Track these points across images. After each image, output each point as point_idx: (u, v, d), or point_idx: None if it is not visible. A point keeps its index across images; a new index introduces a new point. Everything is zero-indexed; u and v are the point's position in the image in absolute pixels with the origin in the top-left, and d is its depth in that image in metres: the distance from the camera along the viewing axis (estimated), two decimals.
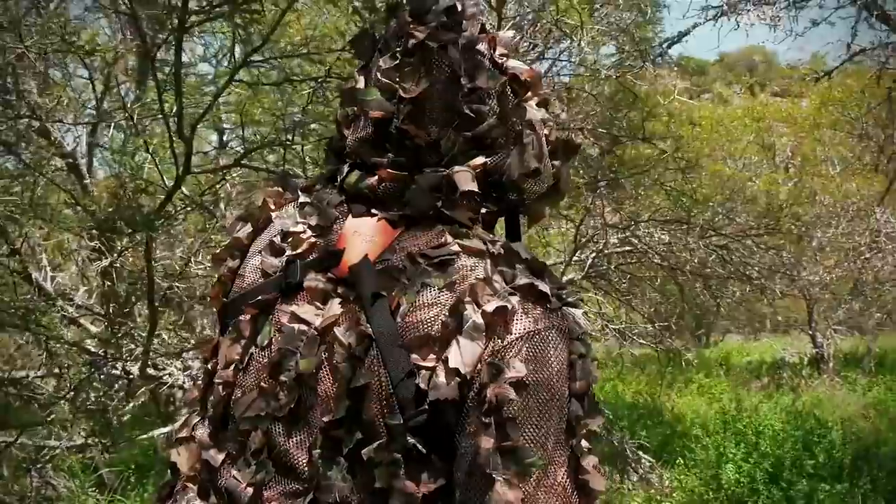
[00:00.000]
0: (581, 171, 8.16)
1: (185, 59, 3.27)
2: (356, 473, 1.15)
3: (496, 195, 1.29)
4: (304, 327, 1.20)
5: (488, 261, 1.19)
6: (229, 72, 2.87)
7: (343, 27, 2.56)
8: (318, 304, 1.22)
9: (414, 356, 1.14)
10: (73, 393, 3.42)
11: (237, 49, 3.11)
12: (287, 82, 2.88)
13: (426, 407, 1.12)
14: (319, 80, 2.85)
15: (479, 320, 1.13)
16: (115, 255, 3.58)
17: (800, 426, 6.93)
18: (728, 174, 12.13)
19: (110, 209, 2.93)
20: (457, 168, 1.24)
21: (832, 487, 5.22)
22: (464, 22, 1.28)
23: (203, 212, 3.46)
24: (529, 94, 1.32)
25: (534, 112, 1.31)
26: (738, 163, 12.95)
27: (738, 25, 5.79)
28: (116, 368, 3.79)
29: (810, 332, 12.74)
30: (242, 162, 3.09)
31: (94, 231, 3.05)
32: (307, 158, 3.13)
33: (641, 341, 9.71)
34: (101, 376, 3.64)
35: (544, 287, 1.18)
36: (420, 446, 1.13)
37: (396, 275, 1.18)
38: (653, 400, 10.63)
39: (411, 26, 1.27)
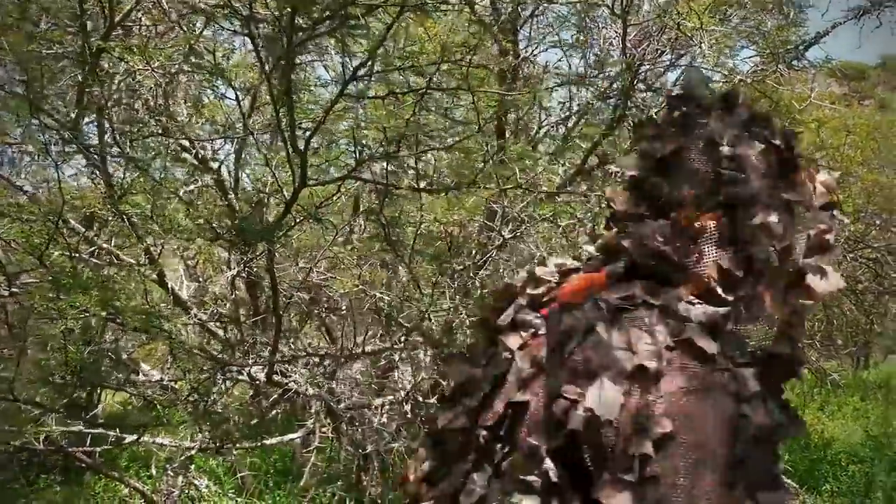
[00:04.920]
0: None
1: (301, 75, 3.42)
2: (494, 483, 1.25)
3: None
4: (507, 353, 1.36)
5: (657, 311, 1.24)
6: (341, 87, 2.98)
7: (447, 38, 2.63)
8: (523, 334, 1.37)
9: (564, 387, 1.21)
10: (195, 395, 3.61)
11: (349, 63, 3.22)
12: (391, 95, 2.98)
13: (563, 435, 1.18)
14: (421, 91, 2.93)
15: (627, 366, 1.17)
16: (242, 265, 3.78)
17: None
18: (884, 183, 11.39)
19: (229, 221, 3.10)
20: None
21: None
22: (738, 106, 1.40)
23: (319, 223, 3.60)
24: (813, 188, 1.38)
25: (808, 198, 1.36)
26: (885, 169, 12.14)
27: (881, 23, 5.43)
28: (242, 374, 3.97)
29: None
30: (353, 174, 3.19)
31: (214, 240, 3.23)
32: (410, 169, 3.21)
33: None
34: (224, 380, 3.84)
35: (708, 346, 1.18)
36: (553, 473, 1.19)
37: (576, 314, 1.27)
38: None
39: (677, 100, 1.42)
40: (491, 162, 3.33)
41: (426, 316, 3.84)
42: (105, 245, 3.93)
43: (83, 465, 4.58)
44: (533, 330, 1.37)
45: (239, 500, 5.77)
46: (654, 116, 1.54)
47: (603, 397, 1.18)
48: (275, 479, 6.11)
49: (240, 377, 4.05)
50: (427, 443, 1.48)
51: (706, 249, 1.32)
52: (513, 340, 1.37)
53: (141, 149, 3.71)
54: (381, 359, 4.60)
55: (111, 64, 3.35)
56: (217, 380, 3.87)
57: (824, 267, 1.35)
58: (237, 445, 4.18)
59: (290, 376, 4.38)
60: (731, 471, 1.13)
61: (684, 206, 1.36)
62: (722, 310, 1.25)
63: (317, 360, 4.65)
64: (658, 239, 1.32)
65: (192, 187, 4.19)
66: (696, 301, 1.27)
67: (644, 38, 5.96)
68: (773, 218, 1.32)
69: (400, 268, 4.29)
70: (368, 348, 4.49)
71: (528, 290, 1.44)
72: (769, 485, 1.16)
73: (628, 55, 5.63)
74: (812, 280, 1.32)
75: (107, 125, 3.45)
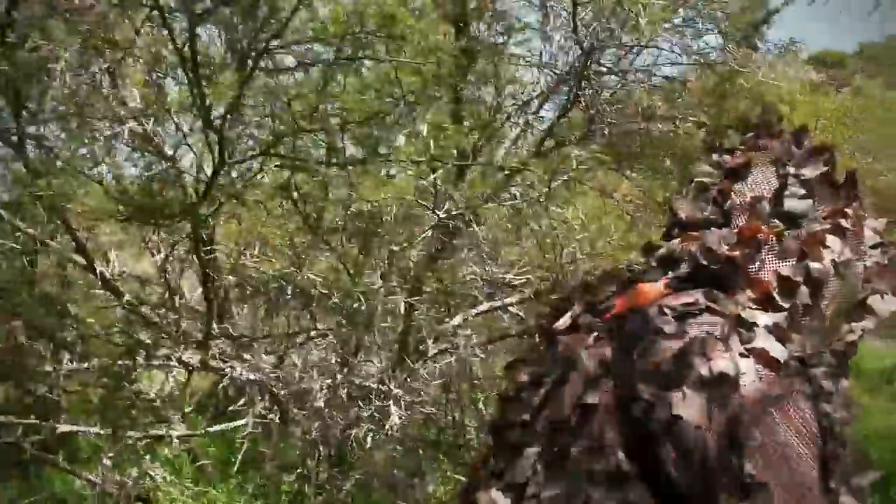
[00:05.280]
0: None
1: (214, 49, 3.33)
2: (559, 473, 1.32)
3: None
4: (569, 353, 1.43)
5: (727, 320, 1.27)
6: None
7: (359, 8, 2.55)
8: (586, 336, 1.47)
9: (640, 388, 1.27)
10: (109, 381, 3.53)
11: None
12: (301, 66, 2.92)
13: (640, 434, 1.24)
14: (333, 63, 2.85)
15: (705, 373, 1.22)
16: (170, 247, 3.70)
17: None
18: (855, 167, 11.36)
19: (145, 199, 3.02)
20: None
21: None
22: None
23: (243, 204, 3.52)
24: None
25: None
26: (869, 156, 12.12)
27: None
28: (171, 360, 3.88)
29: None
30: (266, 152, 3.11)
31: (131, 220, 3.15)
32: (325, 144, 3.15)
33: None
34: (150, 366, 3.77)
35: (778, 352, 1.24)
36: (625, 464, 1.24)
37: (643, 318, 1.33)
38: None
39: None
40: (416, 137, 3.26)
41: (357, 298, 3.76)
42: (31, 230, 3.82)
43: (36, 457, 4.52)
44: (596, 333, 1.44)
45: (196, 488, 5.69)
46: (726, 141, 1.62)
47: (688, 402, 1.22)
48: (233, 467, 6.04)
49: (170, 363, 3.97)
50: (491, 436, 1.58)
51: (767, 258, 1.40)
52: (575, 341, 1.44)
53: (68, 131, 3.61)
54: (322, 343, 4.51)
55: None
56: (140, 365, 3.78)
57: (885, 290, 1.45)
58: (172, 433, 4.10)
59: (228, 361, 4.29)
60: (824, 468, 1.20)
61: (748, 215, 1.43)
62: (784, 314, 1.32)
63: (260, 344, 4.56)
64: (724, 245, 1.40)
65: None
66: (758, 307, 1.33)
67: (596, 18, 5.87)
68: (831, 237, 1.41)
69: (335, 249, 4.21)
70: (312, 333, 4.42)
71: (587, 297, 1.52)
72: (858, 467, 1.25)
73: (580, 35, 5.54)
74: (873, 300, 1.44)
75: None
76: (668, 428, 1.25)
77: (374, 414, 3.88)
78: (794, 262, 1.41)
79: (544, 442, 1.40)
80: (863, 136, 12.13)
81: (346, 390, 4.06)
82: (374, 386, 3.99)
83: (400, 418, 3.88)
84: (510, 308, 6.93)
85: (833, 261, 1.43)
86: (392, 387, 3.97)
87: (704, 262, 1.44)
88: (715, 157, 1.60)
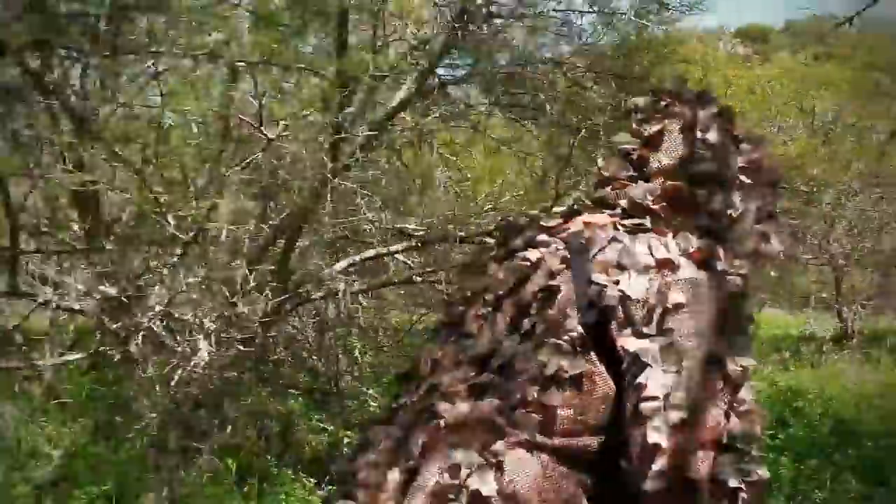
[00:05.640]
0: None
1: None
2: (521, 346, 1.57)
3: None
4: (526, 262, 1.75)
5: (670, 234, 1.63)
6: None
7: None
8: (543, 249, 1.76)
9: (594, 276, 1.57)
10: None
11: None
12: None
13: (594, 312, 1.54)
14: None
15: (651, 262, 1.56)
16: None
17: (782, 400, 6.45)
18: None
19: None
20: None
21: (802, 463, 4.78)
22: None
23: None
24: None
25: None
26: (773, 126, 12.27)
27: None
28: None
29: (836, 307, 12.10)
30: None
31: None
32: None
33: None
34: None
35: (712, 260, 1.61)
36: (579, 334, 1.55)
37: (598, 230, 1.68)
38: None
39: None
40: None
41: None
42: None
43: None
44: (554, 247, 1.67)
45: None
46: (642, 104, 1.87)
47: (632, 282, 1.53)
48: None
49: None
50: (441, 328, 1.80)
51: (681, 210, 1.68)
52: (532, 253, 1.68)
53: None
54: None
55: None
56: None
57: (769, 233, 1.74)
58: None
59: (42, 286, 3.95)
60: (717, 336, 1.51)
61: (665, 174, 1.71)
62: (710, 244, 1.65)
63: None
64: (648, 198, 1.68)
65: None
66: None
67: None
68: (734, 194, 1.70)
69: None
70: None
71: (541, 223, 1.76)
72: (744, 351, 1.59)
73: None
74: (760, 245, 1.72)
75: None
76: (620, 301, 1.54)
77: (187, 349, 3.64)
78: (703, 215, 1.69)
79: (509, 320, 1.63)
80: (773, 109, 12.28)
81: (164, 323, 3.79)
82: (190, 320, 3.72)
83: (209, 354, 3.63)
84: (398, 256, 6.78)
85: (731, 215, 1.70)
86: (206, 321, 3.72)
87: (631, 211, 1.70)
88: (634, 125, 1.83)
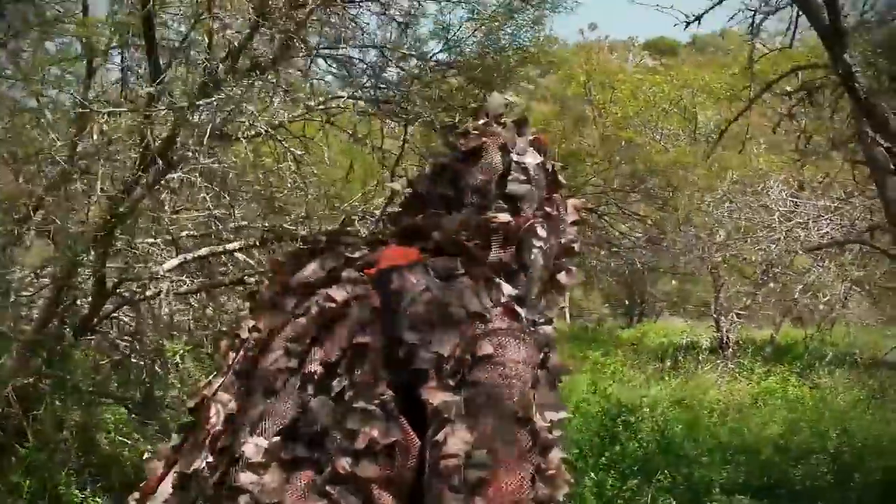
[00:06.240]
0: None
1: None
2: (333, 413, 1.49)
3: None
4: (331, 303, 1.64)
5: (482, 282, 1.60)
6: None
7: None
8: (350, 288, 1.68)
9: (405, 334, 1.51)
10: None
11: None
12: None
13: (405, 373, 1.48)
14: None
15: (462, 315, 1.53)
16: None
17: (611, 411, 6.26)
18: (636, 140, 11.46)
19: None
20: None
21: (622, 483, 4.54)
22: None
23: None
24: None
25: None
26: (655, 133, 12.27)
27: None
28: None
29: (714, 316, 12.15)
30: None
31: None
32: None
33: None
34: None
35: (521, 311, 1.58)
36: (390, 400, 1.47)
37: (409, 276, 1.60)
38: None
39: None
40: None
41: None
42: None
43: None
44: (363, 289, 1.58)
45: None
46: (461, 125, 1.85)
47: (444, 339, 1.48)
48: None
49: None
50: (233, 388, 1.59)
51: (494, 246, 1.63)
52: (339, 293, 1.57)
53: None
54: None
55: None
56: None
57: (570, 267, 1.76)
58: None
59: None
60: (528, 391, 1.46)
61: (479, 192, 1.70)
62: (520, 290, 1.61)
63: None
64: (463, 234, 1.62)
65: None
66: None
67: None
68: (539, 226, 1.67)
69: None
70: None
71: (345, 253, 1.67)
72: (555, 406, 1.56)
73: None
74: (561, 276, 1.73)
75: None
76: (431, 365, 1.46)
77: None
78: (512, 251, 1.66)
79: (314, 387, 1.51)
80: (654, 115, 12.29)
81: None
82: None
83: None
84: (236, 254, 6.36)
85: (540, 247, 1.69)
86: None
87: (443, 246, 1.64)
88: (451, 138, 1.80)
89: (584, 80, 12.10)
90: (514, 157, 1.73)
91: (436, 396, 1.44)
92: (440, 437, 1.41)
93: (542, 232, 1.68)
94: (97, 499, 4.46)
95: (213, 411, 1.55)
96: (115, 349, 5.57)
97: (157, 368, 5.39)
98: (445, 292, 1.54)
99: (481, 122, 1.78)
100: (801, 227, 8.48)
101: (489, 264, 1.63)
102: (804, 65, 4.78)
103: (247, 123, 6.02)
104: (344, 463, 1.43)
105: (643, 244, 8.79)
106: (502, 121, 1.79)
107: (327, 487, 1.43)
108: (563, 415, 1.58)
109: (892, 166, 4.29)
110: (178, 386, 5.57)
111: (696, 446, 5.37)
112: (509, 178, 1.71)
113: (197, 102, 4.88)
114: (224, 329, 6.51)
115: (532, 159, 1.74)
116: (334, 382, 1.48)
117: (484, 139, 1.75)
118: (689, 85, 12.50)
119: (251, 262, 6.44)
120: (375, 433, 1.43)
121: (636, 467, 4.73)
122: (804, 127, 6.01)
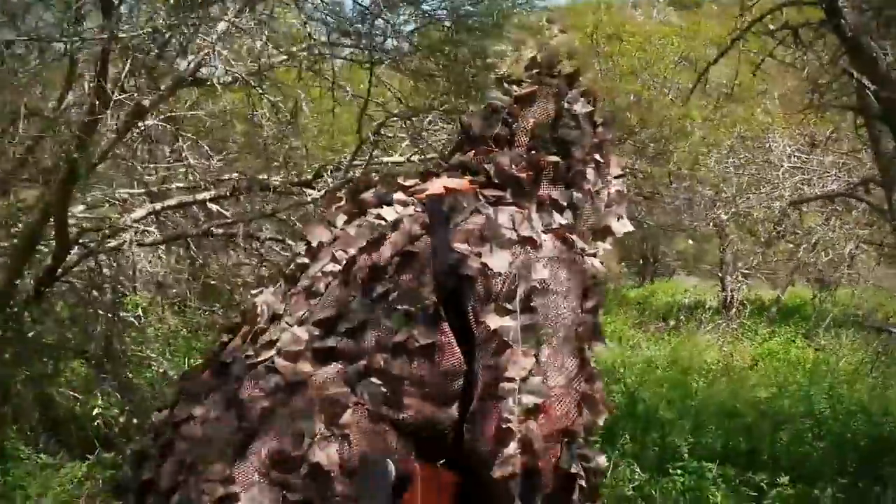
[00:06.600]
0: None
1: None
2: (372, 311, 1.54)
3: None
4: (381, 221, 1.72)
5: (534, 207, 1.66)
6: None
7: None
8: (399, 209, 1.74)
9: (456, 245, 1.54)
10: None
11: None
12: None
13: (454, 280, 1.51)
14: None
15: (514, 237, 1.56)
16: None
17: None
18: (643, 94, 11.05)
19: None
20: None
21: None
22: None
23: None
24: None
25: None
26: (662, 85, 11.83)
27: None
28: None
29: (720, 275, 11.84)
30: None
31: None
32: None
33: None
34: None
35: (573, 236, 1.63)
36: (433, 305, 1.50)
37: (460, 198, 1.67)
38: None
39: None
40: None
41: None
42: None
43: None
44: (413, 209, 1.64)
45: None
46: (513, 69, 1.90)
47: (494, 255, 1.52)
48: None
49: None
50: (280, 291, 1.66)
51: (544, 182, 1.71)
52: (389, 213, 1.64)
53: None
54: None
55: None
56: None
57: (621, 214, 1.82)
58: None
59: None
60: (577, 318, 1.51)
61: (530, 135, 1.76)
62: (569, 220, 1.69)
63: None
64: (514, 168, 1.69)
65: None
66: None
67: None
68: (590, 170, 1.77)
69: None
70: None
71: (397, 181, 1.78)
72: (598, 337, 1.58)
73: None
74: (612, 223, 1.78)
75: None
76: (477, 274, 1.49)
77: None
78: (563, 188, 1.70)
79: (360, 282, 1.54)
80: (663, 67, 11.84)
81: None
82: None
83: None
84: (209, 204, 6.14)
85: (588, 189, 1.73)
86: None
87: (496, 180, 1.66)
88: (505, 85, 1.84)
89: (590, 31, 11.67)
90: (566, 104, 1.79)
91: (494, 320, 1.46)
92: (501, 360, 1.44)
93: (591, 175, 1.75)
94: (43, 455, 4.30)
95: (259, 310, 1.63)
96: (80, 302, 5.39)
97: (117, 322, 5.20)
98: (497, 215, 1.58)
99: (535, 70, 1.85)
100: (805, 182, 8.15)
101: (538, 197, 1.68)
102: (789, 0, 4.43)
103: (222, 69, 5.79)
104: (380, 359, 1.47)
105: (637, 199, 8.47)
106: (555, 71, 1.86)
107: (356, 379, 1.47)
108: (602, 345, 1.61)
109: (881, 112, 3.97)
110: (141, 340, 5.41)
111: (672, 409, 5.14)
112: (560, 123, 1.78)
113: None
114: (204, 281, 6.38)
115: (582, 108, 1.80)
116: (378, 286, 1.53)
117: (537, 86, 1.83)
118: (698, 37, 12.03)
119: (225, 212, 6.24)
120: (416, 332, 1.47)
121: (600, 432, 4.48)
122: (806, 75, 5.66)
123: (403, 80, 6.70)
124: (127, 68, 4.57)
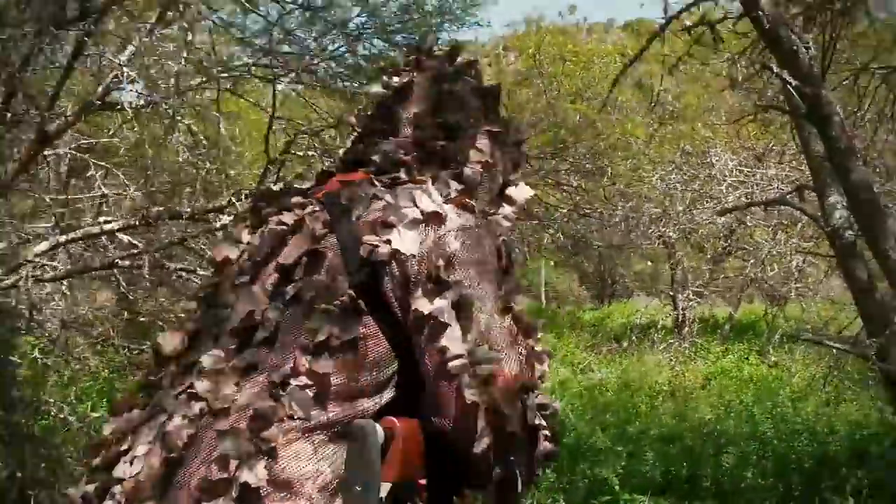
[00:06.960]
0: None
1: None
2: (287, 313, 1.53)
3: None
4: (282, 226, 1.70)
5: (429, 181, 1.64)
6: None
7: None
8: (298, 212, 1.72)
9: (364, 237, 1.54)
10: None
11: None
12: None
13: (365, 272, 1.52)
14: None
15: (418, 215, 1.56)
16: None
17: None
18: (584, 112, 10.92)
19: None
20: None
21: None
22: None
23: None
24: None
25: None
26: (610, 106, 11.72)
27: None
28: None
29: (671, 294, 11.65)
30: None
31: None
32: None
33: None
34: None
35: (472, 202, 1.63)
36: (350, 298, 1.50)
37: (355, 188, 1.64)
38: None
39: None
40: None
41: None
42: None
43: None
44: (312, 209, 1.61)
45: None
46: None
47: (404, 238, 1.51)
48: None
49: None
50: (195, 314, 1.68)
51: (433, 166, 1.69)
52: (288, 217, 1.63)
53: None
54: None
55: None
56: None
57: (518, 182, 1.81)
58: None
59: None
60: (498, 279, 1.54)
61: (414, 124, 1.76)
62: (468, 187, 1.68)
63: None
64: (400, 152, 1.71)
65: None
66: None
67: None
68: (482, 141, 1.76)
69: None
70: None
71: (294, 187, 1.78)
72: (517, 290, 1.60)
73: None
74: (511, 191, 1.78)
75: None
76: (390, 260, 1.50)
77: None
78: (453, 169, 1.70)
79: (270, 288, 1.56)
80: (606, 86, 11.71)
81: None
82: None
83: None
84: (117, 234, 5.78)
85: (485, 162, 1.73)
86: None
87: (384, 166, 1.68)
88: (385, 78, 1.84)
89: (532, 52, 11.54)
90: (446, 86, 1.78)
91: (424, 304, 1.48)
92: (442, 341, 1.45)
93: (484, 146, 1.74)
94: None
95: (178, 338, 1.62)
96: None
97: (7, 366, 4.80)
98: (397, 197, 1.57)
99: (412, 57, 1.85)
100: (748, 196, 7.98)
101: (431, 174, 1.67)
102: None
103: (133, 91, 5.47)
104: (303, 360, 1.48)
105: (572, 216, 8.22)
106: (434, 54, 1.86)
107: (279, 389, 1.47)
108: (522, 300, 1.63)
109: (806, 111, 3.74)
110: (31, 384, 5.02)
111: (608, 435, 4.83)
112: (443, 105, 1.77)
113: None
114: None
115: (464, 86, 1.80)
116: (289, 288, 1.53)
117: (413, 74, 1.83)
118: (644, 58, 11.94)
119: (137, 243, 5.89)
120: (335, 329, 1.48)
121: None
122: (725, 73, 5.47)
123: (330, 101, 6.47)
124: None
